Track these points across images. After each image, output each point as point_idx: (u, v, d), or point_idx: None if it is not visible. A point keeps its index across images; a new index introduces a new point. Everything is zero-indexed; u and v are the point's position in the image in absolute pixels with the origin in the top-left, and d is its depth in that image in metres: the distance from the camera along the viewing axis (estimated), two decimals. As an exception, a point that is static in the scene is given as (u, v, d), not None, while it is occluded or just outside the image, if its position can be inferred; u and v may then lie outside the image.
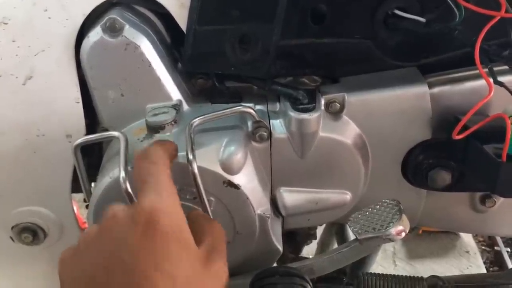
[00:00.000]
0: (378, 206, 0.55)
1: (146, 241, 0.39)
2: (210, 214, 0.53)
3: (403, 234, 0.52)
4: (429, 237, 1.39)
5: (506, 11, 0.51)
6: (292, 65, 0.63)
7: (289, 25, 0.59)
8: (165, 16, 0.59)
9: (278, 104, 0.61)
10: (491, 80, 0.51)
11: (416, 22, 0.57)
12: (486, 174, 0.53)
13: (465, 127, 0.54)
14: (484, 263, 1.38)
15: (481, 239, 1.48)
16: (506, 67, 0.56)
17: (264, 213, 0.57)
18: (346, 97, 0.59)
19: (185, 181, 0.52)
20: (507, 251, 1.39)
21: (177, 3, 0.57)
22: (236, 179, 0.54)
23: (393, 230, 0.52)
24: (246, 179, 0.55)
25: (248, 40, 0.57)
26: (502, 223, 0.72)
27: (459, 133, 0.51)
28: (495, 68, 0.55)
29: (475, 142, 0.54)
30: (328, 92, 0.60)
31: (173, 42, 0.62)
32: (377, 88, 0.60)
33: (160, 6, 0.57)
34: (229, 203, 0.55)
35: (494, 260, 1.41)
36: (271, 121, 0.59)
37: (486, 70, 0.54)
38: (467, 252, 1.38)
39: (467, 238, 1.42)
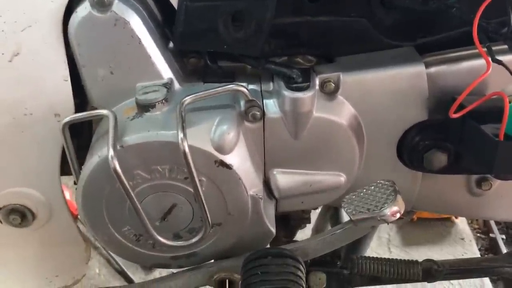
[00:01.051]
0: (372, 187, 0.54)
1: None
2: (202, 194, 0.52)
3: (398, 214, 0.51)
4: (424, 224, 1.39)
5: (506, -12, 0.50)
6: (286, 44, 0.62)
7: (284, 2, 0.58)
8: (156, -8, 0.58)
9: (271, 84, 0.59)
10: (489, 58, 0.50)
11: (413, -1, 0.56)
12: (483, 154, 0.52)
13: (462, 107, 0.53)
14: (479, 250, 1.38)
15: (476, 226, 1.48)
16: (505, 46, 0.55)
17: (256, 194, 0.56)
18: (341, 76, 0.58)
19: (176, 160, 0.51)
20: (502, 238, 1.39)
21: (168, -22, 0.55)
22: (228, 159, 0.53)
23: (387, 211, 0.51)
24: (239, 159, 0.54)
25: (241, 17, 0.56)
26: (499, 206, 0.71)
27: (455, 112, 0.50)
28: (494, 48, 0.54)
29: (472, 122, 0.53)
30: (323, 71, 0.59)
31: (164, 20, 0.60)
32: (373, 68, 0.59)
33: (151, -19, 0.56)
34: (221, 183, 0.54)
35: (489, 247, 1.41)
36: (264, 100, 0.57)
37: (485, 48, 0.53)
38: (462, 239, 1.38)
39: (462, 225, 1.42)
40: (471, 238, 1.40)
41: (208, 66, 0.60)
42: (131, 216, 0.54)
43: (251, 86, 0.59)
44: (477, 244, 1.40)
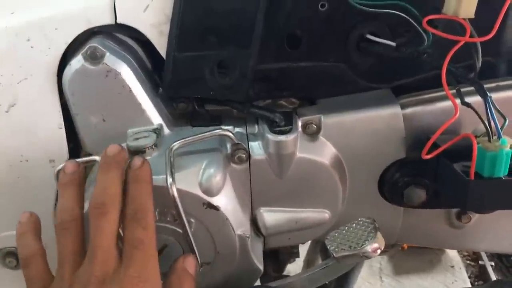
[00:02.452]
0: (354, 225, 0.56)
1: None
2: (191, 235, 0.54)
3: (379, 251, 0.54)
4: (415, 252, 1.41)
5: (471, 36, 0.53)
6: (270, 88, 0.65)
7: (266, 50, 0.61)
8: (146, 43, 0.61)
9: (256, 127, 0.62)
10: (458, 101, 0.53)
11: (387, 46, 0.60)
12: (456, 191, 0.54)
13: (436, 146, 0.56)
14: (469, 277, 1.39)
15: (465, 253, 1.50)
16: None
17: (244, 233, 0.58)
18: (322, 118, 0.61)
19: (166, 203, 0.53)
20: (491, 265, 1.41)
21: (156, 30, 0.58)
22: (216, 200, 0.55)
23: (368, 248, 0.53)
24: (226, 201, 0.56)
25: (226, 65, 0.59)
26: (479, 238, 0.73)
27: (428, 153, 0.53)
28: (465, 89, 0.58)
29: (445, 161, 0.56)
30: (305, 114, 0.62)
31: (154, 68, 0.63)
32: (352, 110, 0.62)
33: (140, 34, 0.59)
34: (209, 224, 0.56)
35: (479, 274, 1.42)
36: (249, 143, 0.60)
37: (454, 91, 0.56)
38: (452, 266, 1.40)
39: (452, 253, 1.44)
40: (461, 265, 1.42)
41: (196, 111, 0.63)
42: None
43: (237, 129, 0.62)
44: (467, 272, 1.42)
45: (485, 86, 0.62)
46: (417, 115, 0.62)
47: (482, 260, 1.43)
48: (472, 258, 1.46)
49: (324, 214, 0.65)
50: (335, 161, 0.63)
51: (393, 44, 0.59)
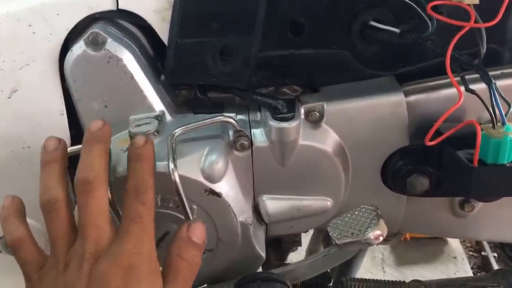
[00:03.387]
0: (356, 212, 0.56)
1: (123, 284, 0.44)
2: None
3: (381, 238, 0.54)
4: (417, 243, 1.41)
5: (475, 22, 0.53)
6: (272, 75, 0.65)
7: (269, 37, 0.61)
8: (148, 30, 0.60)
9: (259, 114, 0.62)
10: (462, 88, 0.53)
11: (391, 33, 0.59)
12: (460, 179, 0.54)
13: (439, 133, 0.56)
14: (472, 268, 1.40)
15: (468, 244, 1.50)
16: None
17: (246, 220, 0.58)
18: (325, 106, 0.61)
19: (168, 190, 0.53)
20: (494, 256, 1.41)
21: (158, 17, 0.58)
22: (218, 187, 0.55)
23: (371, 235, 0.53)
24: (228, 187, 0.56)
25: (228, 52, 0.59)
26: (482, 227, 0.73)
27: (431, 140, 0.53)
28: (469, 76, 0.57)
29: (449, 148, 0.55)
30: (307, 101, 0.62)
31: (156, 55, 0.63)
32: (355, 97, 0.62)
33: (142, 20, 0.59)
34: (211, 210, 0.56)
35: (482, 265, 1.42)
36: (252, 130, 0.60)
37: (458, 78, 0.56)
38: (455, 257, 1.40)
39: (454, 244, 1.44)
40: (463, 256, 1.42)
41: (198, 98, 0.62)
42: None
43: (239, 116, 0.62)
44: (470, 263, 1.42)
45: (490, 73, 0.62)
46: (421, 102, 0.62)
47: (484, 251, 1.43)
48: (475, 249, 1.46)
49: (326, 202, 0.65)
50: (338, 148, 0.63)
51: (397, 30, 0.59)
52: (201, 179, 0.54)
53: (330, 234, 0.55)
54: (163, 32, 0.59)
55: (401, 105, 0.61)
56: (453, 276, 1.30)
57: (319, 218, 0.66)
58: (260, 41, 0.59)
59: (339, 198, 0.65)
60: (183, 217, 0.55)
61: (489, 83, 0.52)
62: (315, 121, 0.61)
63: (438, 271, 1.34)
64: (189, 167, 0.54)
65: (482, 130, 0.51)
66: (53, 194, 0.49)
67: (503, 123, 0.50)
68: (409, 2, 0.57)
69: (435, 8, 0.59)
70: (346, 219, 0.56)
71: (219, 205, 0.56)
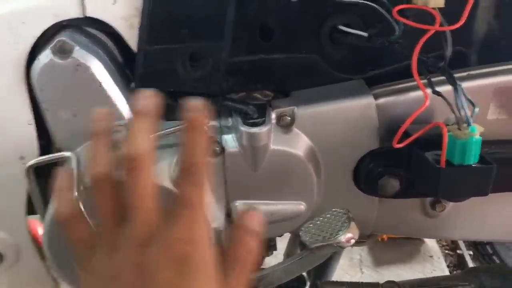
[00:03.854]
0: (328, 215, 0.57)
1: (176, 277, 0.40)
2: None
3: (353, 241, 0.54)
4: (395, 243, 1.42)
5: (441, 25, 0.54)
6: (244, 81, 0.65)
7: (239, 42, 0.61)
8: (116, 37, 0.60)
9: (230, 120, 0.62)
10: (428, 90, 0.54)
11: (359, 36, 0.60)
12: (428, 180, 0.55)
13: (408, 135, 0.56)
14: (448, 266, 1.42)
15: (444, 243, 1.52)
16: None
17: (218, 227, 0.58)
18: (296, 110, 0.61)
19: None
20: (470, 254, 1.43)
21: (126, 24, 0.58)
22: (189, 194, 0.55)
23: (342, 238, 0.53)
24: (200, 194, 0.56)
25: (198, 58, 0.59)
26: (454, 227, 0.74)
27: (399, 142, 0.54)
28: (438, 79, 0.58)
29: (417, 150, 0.56)
30: (278, 106, 0.62)
31: (125, 62, 0.63)
32: (326, 101, 0.62)
33: (110, 27, 0.58)
34: (183, 218, 0.56)
35: (457, 263, 1.45)
36: (223, 136, 0.60)
37: (425, 81, 0.57)
38: (431, 256, 1.42)
39: (430, 243, 1.46)
40: (439, 255, 1.44)
41: (169, 105, 0.62)
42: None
43: (211, 122, 0.62)
44: (446, 261, 1.43)
45: (457, 75, 0.63)
46: (390, 105, 0.62)
47: (460, 249, 1.45)
48: (451, 248, 1.48)
49: (300, 206, 0.65)
50: (310, 152, 0.63)
51: (365, 34, 0.59)
52: (170, 186, 0.54)
53: (302, 238, 0.55)
54: (131, 39, 0.58)
55: (370, 108, 0.62)
56: (430, 275, 1.32)
57: (293, 222, 0.66)
58: (230, 46, 0.59)
59: (313, 202, 0.65)
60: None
61: (454, 84, 0.53)
62: (286, 125, 0.61)
63: (415, 270, 1.36)
64: (159, 174, 0.53)
65: (448, 131, 0.52)
66: (102, 170, 0.45)
67: (469, 124, 0.51)
68: (376, 6, 0.57)
69: (402, 12, 0.60)
70: (318, 222, 0.56)
71: (191, 212, 0.55)
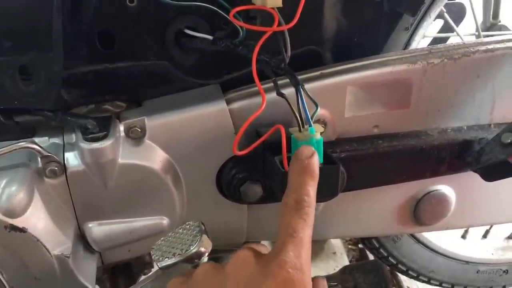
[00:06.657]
0: (181, 230, 0.53)
1: None
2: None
3: (206, 254, 0.51)
4: (299, 243, 1.41)
5: (279, 25, 0.52)
6: (90, 92, 0.60)
7: (77, 51, 0.57)
8: None
9: (74, 136, 0.57)
10: (265, 93, 0.52)
11: (204, 40, 0.57)
12: (277, 183, 0.53)
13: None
14: (350, 261, 1.43)
15: (347, 239, 1.54)
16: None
17: (62, 253, 0.53)
18: (146, 121, 0.58)
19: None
20: (371, 247, 1.45)
21: None
22: (21, 221, 0.50)
23: (193, 253, 0.50)
24: (35, 220, 0.51)
25: (29, 71, 0.54)
26: (329, 226, 0.74)
27: (241, 149, 0.52)
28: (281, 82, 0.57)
29: (268, 154, 0.54)
30: (128, 117, 0.58)
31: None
32: (178, 109, 0.59)
33: None
34: (17, 248, 0.51)
35: (359, 257, 1.47)
36: (65, 154, 0.55)
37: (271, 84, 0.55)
38: (334, 253, 1.43)
39: (334, 241, 1.47)
40: (342, 251, 1.45)
41: (3, 124, 0.56)
42: None
43: (53, 140, 0.57)
44: (348, 256, 1.45)
45: (309, 75, 0.63)
46: (245, 109, 0.60)
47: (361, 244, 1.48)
48: (353, 242, 1.51)
49: (161, 221, 0.62)
50: (166, 164, 0.59)
51: (210, 37, 0.57)
52: (-1, 216, 0.48)
53: (152, 257, 0.51)
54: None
55: (224, 114, 0.59)
56: (332, 271, 1.33)
57: (157, 238, 0.61)
58: (68, 56, 0.54)
59: (176, 215, 0.62)
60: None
61: (295, 85, 0.51)
62: (137, 137, 0.58)
63: (318, 268, 1.36)
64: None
65: (291, 133, 0.50)
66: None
67: (309, 125, 0.49)
68: (214, 8, 0.55)
69: (247, 14, 0.59)
70: (170, 238, 0.52)
71: (25, 241, 0.50)
